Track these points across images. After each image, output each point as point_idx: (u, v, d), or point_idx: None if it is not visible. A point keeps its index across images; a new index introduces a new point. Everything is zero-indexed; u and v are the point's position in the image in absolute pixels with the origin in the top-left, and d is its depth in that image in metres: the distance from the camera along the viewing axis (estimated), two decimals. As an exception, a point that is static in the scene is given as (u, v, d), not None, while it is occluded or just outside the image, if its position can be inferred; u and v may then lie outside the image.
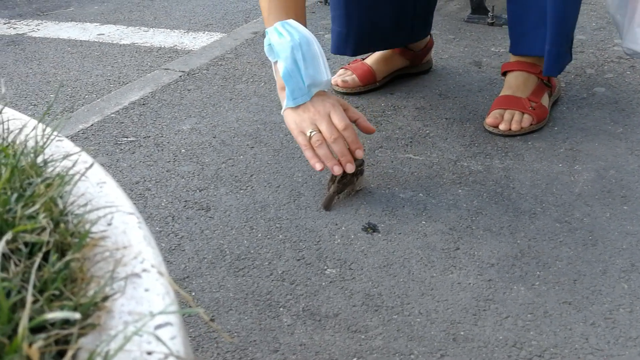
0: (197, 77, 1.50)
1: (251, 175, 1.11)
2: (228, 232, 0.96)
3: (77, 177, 0.42)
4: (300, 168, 1.13)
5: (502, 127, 1.21)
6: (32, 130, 0.48)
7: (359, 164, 1.03)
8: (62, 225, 0.36)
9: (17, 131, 0.48)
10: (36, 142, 0.45)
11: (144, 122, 1.30)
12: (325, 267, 0.88)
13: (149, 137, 1.24)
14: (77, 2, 2.32)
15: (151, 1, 2.30)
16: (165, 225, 0.98)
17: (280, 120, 1.30)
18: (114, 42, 1.91)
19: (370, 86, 1.40)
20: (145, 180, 1.10)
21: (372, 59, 1.43)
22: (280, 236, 0.95)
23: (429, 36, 1.50)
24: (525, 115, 1.22)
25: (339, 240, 0.94)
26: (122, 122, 1.29)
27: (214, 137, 1.23)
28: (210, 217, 1.00)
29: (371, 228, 0.96)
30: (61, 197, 0.39)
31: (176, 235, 0.96)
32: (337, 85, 1.39)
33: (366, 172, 1.09)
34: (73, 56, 1.82)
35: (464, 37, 1.73)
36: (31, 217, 0.36)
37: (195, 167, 1.14)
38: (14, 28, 2.09)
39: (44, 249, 0.34)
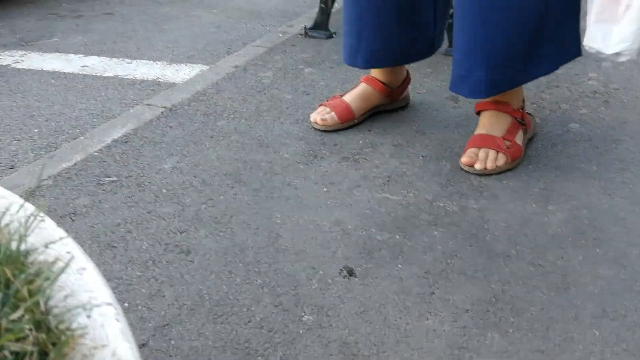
0: (179, 113, 1.51)
1: (231, 217, 1.12)
2: (207, 277, 0.98)
3: (59, 270, 0.43)
4: (279, 209, 1.15)
5: (477, 166, 1.24)
6: (18, 210, 0.49)
7: None
8: (43, 325, 0.38)
9: (1, 214, 0.49)
10: (20, 231, 0.46)
11: (126, 160, 1.31)
12: (303, 313, 0.90)
13: (131, 176, 1.25)
14: (60, 33, 2.34)
15: (134, 32, 2.32)
16: (145, 269, 0.99)
17: (260, 158, 1.31)
18: (98, 74, 1.93)
19: (349, 123, 1.43)
20: (126, 222, 1.11)
21: (351, 96, 1.46)
22: (259, 281, 0.97)
23: (406, 72, 1.53)
24: (500, 154, 1.25)
25: (316, 285, 0.95)
26: (105, 161, 1.30)
27: (195, 177, 1.25)
28: (190, 261, 1.01)
29: (348, 272, 0.98)
30: (43, 297, 0.40)
31: (156, 280, 0.97)
32: (316, 123, 1.42)
33: (344, 212, 1.11)
34: (57, 89, 1.83)
35: (441, 71, 1.77)
36: (15, 322, 0.37)
37: (176, 208, 1.15)
38: (-3, 59, 2.10)
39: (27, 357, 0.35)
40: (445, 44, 1.90)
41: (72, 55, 2.10)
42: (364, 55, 1.42)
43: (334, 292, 0.94)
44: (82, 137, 1.43)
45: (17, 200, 0.52)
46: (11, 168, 1.43)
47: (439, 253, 1.02)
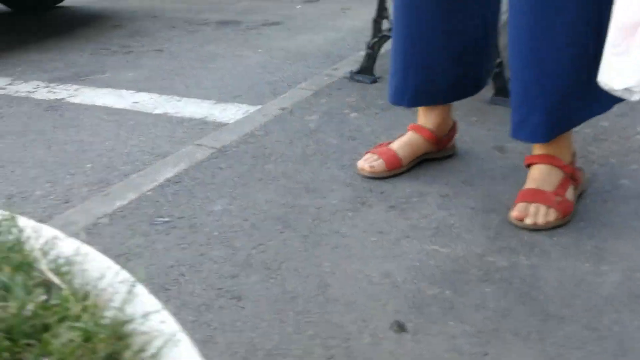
0: (229, 154, 1.55)
1: (281, 263, 1.14)
2: (259, 325, 0.99)
3: (162, 345, 0.44)
4: (328, 257, 1.16)
5: (528, 221, 1.23)
6: (113, 276, 0.51)
7: None
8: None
9: (95, 280, 0.51)
10: (119, 300, 0.48)
11: (179, 201, 1.34)
12: (355, 368, 0.90)
13: (183, 217, 1.28)
14: (112, 69, 2.41)
15: (182, 69, 2.39)
16: (199, 314, 1.01)
17: (308, 204, 1.33)
18: (148, 111, 1.98)
19: (396, 171, 1.44)
20: (179, 264, 1.13)
21: (398, 144, 1.47)
22: (310, 331, 0.97)
23: (453, 122, 1.54)
24: (551, 210, 1.24)
25: (367, 339, 0.95)
26: (158, 201, 1.34)
27: (245, 220, 1.27)
28: (242, 307, 1.02)
29: (399, 327, 0.98)
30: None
31: (209, 326, 0.98)
32: (364, 170, 1.43)
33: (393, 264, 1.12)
34: (109, 124, 1.89)
35: (486, 120, 1.78)
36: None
37: (227, 251, 1.17)
38: (53, 92, 2.17)
39: None
40: (490, 92, 1.91)
41: (124, 91, 2.16)
42: (410, 94, 1.45)
43: (385, 348, 0.94)
44: (135, 175, 1.47)
45: (112, 265, 0.54)
46: (66, 202, 1.47)
47: (490, 311, 1.02)
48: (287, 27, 2.98)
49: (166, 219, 1.27)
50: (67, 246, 0.55)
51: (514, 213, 1.26)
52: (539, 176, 1.31)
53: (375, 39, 1.97)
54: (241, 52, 2.60)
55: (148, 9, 3.48)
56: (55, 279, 0.48)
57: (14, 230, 0.54)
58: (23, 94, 2.17)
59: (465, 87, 1.50)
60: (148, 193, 1.37)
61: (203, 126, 1.85)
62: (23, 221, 0.56)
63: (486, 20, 1.45)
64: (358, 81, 2.01)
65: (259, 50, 2.60)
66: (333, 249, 1.18)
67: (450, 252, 1.18)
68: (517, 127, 1.31)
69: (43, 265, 0.49)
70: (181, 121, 1.90)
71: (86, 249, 0.55)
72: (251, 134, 1.67)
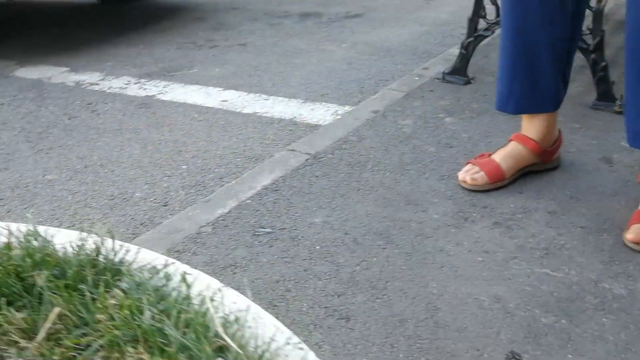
0: (323, 161, 1.54)
1: (386, 282, 1.12)
2: (370, 349, 0.98)
3: None
4: (435, 277, 1.13)
5: (645, 246, 1.17)
6: (284, 340, 0.50)
7: None
8: None
9: (265, 344, 0.50)
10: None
11: (278, 211, 1.34)
12: (473, 403, 0.87)
13: (284, 229, 1.28)
14: (199, 64, 2.45)
15: (268, 65, 2.39)
16: (308, 334, 1.01)
17: (409, 217, 1.31)
18: (237, 110, 2.00)
19: (499, 184, 1.39)
20: (285, 280, 1.13)
21: (501, 155, 1.42)
22: (422, 359, 0.95)
23: (558, 132, 1.48)
24: (671, 234, 1.17)
25: (484, 371, 0.93)
26: (258, 210, 1.34)
27: (346, 234, 1.26)
28: (350, 329, 1.02)
29: (515, 358, 0.95)
30: None
31: (320, 347, 0.98)
32: (465, 182, 1.39)
33: (502, 288, 1.08)
34: (200, 124, 1.91)
35: (590, 127, 1.69)
36: None
37: (330, 267, 1.16)
38: (144, 89, 2.22)
39: None
40: (593, 97, 1.81)
41: (212, 89, 2.18)
42: (515, 101, 1.41)
43: (503, 382, 0.91)
44: (233, 182, 1.48)
45: (281, 327, 0.53)
46: (165, 205, 1.50)
47: (610, 344, 0.97)
48: (370, 19, 2.94)
49: (268, 230, 1.28)
50: (232, 298, 0.55)
51: (629, 235, 1.19)
52: (658, 196, 1.23)
53: (471, 39, 1.90)
54: (325, 46, 2.57)
55: (228, 1, 3.50)
56: (232, 344, 0.48)
57: (178, 279, 0.54)
58: (116, 90, 2.23)
59: (561, 95, 1.45)
60: (248, 201, 1.38)
61: (293, 127, 1.85)
62: (183, 268, 0.56)
63: (575, 27, 1.40)
64: (450, 82, 1.95)
65: (343, 45, 2.57)
66: (439, 269, 1.15)
67: (563, 277, 1.13)
68: (636, 136, 1.25)
69: (219, 328, 0.49)
70: (270, 121, 1.90)
71: (253, 307, 0.55)
72: (344, 139, 1.65)
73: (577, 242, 1.22)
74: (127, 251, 0.57)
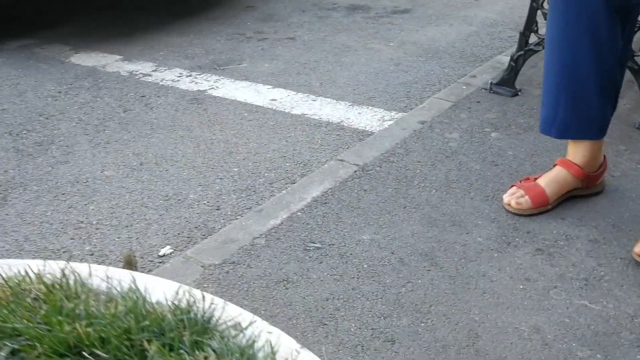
0: (371, 175, 1.59)
1: (430, 306, 1.18)
2: (413, 374, 1.04)
3: None
4: (477, 303, 1.19)
5: (685, 284, 1.20)
6: None
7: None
8: None
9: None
10: None
11: (328, 225, 1.40)
12: None
13: (334, 244, 1.34)
14: (249, 58, 2.50)
15: (316, 63, 2.43)
16: (355, 355, 1.08)
17: (454, 239, 1.36)
18: (286, 110, 2.05)
19: (542, 209, 1.43)
20: (334, 298, 1.20)
21: (545, 179, 1.45)
22: (464, 387, 1.02)
23: (603, 157, 1.50)
24: None
25: (521, 404, 0.99)
26: (308, 224, 1.41)
27: (392, 253, 1.32)
28: (395, 352, 1.08)
29: (552, 393, 1.00)
30: None
31: (366, 369, 1.05)
32: (510, 206, 1.43)
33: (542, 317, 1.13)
34: (250, 124, 1.97)
35: (636, 150, 1.70)
36: None
37: (377, 287, 1.23)
38: (196, 83, 2.29)
39: None
40: (638, 116, 1.82)
41: (261, 86, 2.24)
42: (559, 126, 1.43)
43: (539, 416, 0.97)
44: (284, 192, 1.55)
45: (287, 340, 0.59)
46: (217, 209, 1.58)
47: (645, 385, 1.02)
48: (418, 16, 2.94)
49: (318, 245, 1.34)
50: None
51: (637, 249, 1.23)
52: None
53: (521, 52, 1.91)
54: (373, 44, 2.60)
55: (277, -13, 3.52)
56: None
57: (263, 339, 0.60)
58: (168, 83, 2.30)
59: (607, 121, 1.46)
60: (298, 214, 1.45)
61: (340, 132, 1.90)
62: (266, 327, 0.62)
63: (623, 56, 1.40)
64: (498, 93, 1.97)
65: (391, 44, 2.59)
66: (481, 295, 1.20)
67: (600, 309, 1.17)
68: None
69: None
70: (318, 124, 1.95)
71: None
72: (392, 151, 1.70)
73: (617, 274, 1.26)
74: (215, 307, 0.64)
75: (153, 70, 2.42)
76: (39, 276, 0.66)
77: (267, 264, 1.29)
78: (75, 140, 1.93)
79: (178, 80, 2.32)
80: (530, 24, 1.87)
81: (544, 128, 1.47)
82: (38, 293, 0.63)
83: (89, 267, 0.69)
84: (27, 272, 0.68)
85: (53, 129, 1.99)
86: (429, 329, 1.13)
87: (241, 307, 1.19)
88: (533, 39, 1.91)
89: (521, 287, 1.23)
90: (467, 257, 1.30)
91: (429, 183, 1.55)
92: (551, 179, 1.46)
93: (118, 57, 2.57)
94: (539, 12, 1.86)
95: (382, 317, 1.15)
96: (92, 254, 1.42)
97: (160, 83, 2.31)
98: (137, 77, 2.36)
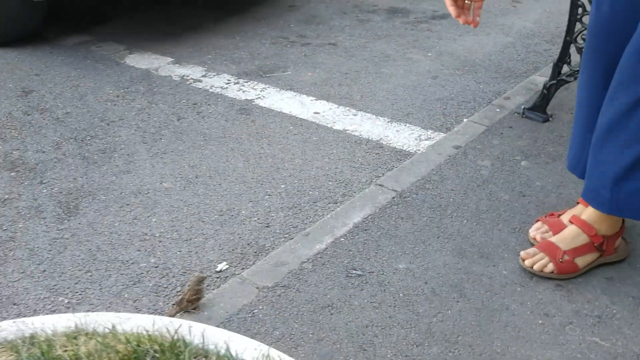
0: (408, 202, 1.73)
1: (458, 336, 1.34)
2: (441, 400, 1.21)
3: None
4: (499, 336, 1.34)
5: (689, 328, 1.33)
6: None
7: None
8: None
9: None
10: None
11: (368, 253, 1.56)
12: None
13: (373, 272, 1.50)
14: (293, 65, 2.63)
15: (357, 73, 2.55)
16: (391, 381, 1.25)
17: (481, 272, 1.51)
18: (328, 125, 2.19)
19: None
20: (373, 325, 1.37)
21: (568, 215, 1.58)
22: (484, 416, 1.18)
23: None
24: None
25: None
26: (350, 250, 1.57)
27: (426, 283, 1.47)
28: (426, 379, 1.25)
29: None
30: None
31: (400, 394, 1.22)
32: (535, 239, 1.57)
33: None
34: (295, 138, 2.12)
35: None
36: None
37: (411, 316, 1.39)
38: (243, 91, 2.43)
39: None
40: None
41: (305, 97, 2.38)
42: (583, 167, 1.54)
43: None
44: (328, 216, 1.71)
45: None
46: (267, 227, 1.75)
47: (643, 421, 1.17)
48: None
49: (359, 272, 1.50)
50: None
51: None
52: None
53: (553, 82, 2.02)
54: (411, 54, 2.70)
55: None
56: None
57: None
58: (217, 90, 2.45)
59: None
60: (342, 239, 1.61)
61: (379, 151, 2.04)
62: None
63: None
64: (530, 118, 2.08)
65: (429, 54, 2.69)
66: (503, 328, 1.36)
67: (610, 346, 1.32)
68: None
69: None
70: (359, 141, 2.10)
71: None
72: (427, 177, 1.84)
73: (627, 312, 1.40)
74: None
75: (203, 76, 2.57)
76: (154, 337, 0.83)
77: (314, 289, 1.46)
78: (135, 149, 2.10)
79: (226, 88, 2.47)
80: (563, 56, 1.97)
81: (571, 165, 1.58)
82: (155, 354, 0.80)
83: (189, 326, 0.86)
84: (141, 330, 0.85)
85: (114, 136, 2.17)
86: (455, 358, 1.29)
87: (291, 330, 1.36)
88: (565, 69, 2.00)
89: (540, 322, 1.38)
90: (493, 290, 1.45)
91: (460, 213, 1.69)
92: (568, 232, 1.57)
93: (169, 59, 2.72)
94: (572, 46, 1.96)
95: (415, 345, 1.32)
96: (157, 267, 1.60)
97: (210, 90, 2.46)
98: (188, 82, 2.52)
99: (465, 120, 2.17)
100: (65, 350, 0.79)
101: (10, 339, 0.82)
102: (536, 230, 1.59)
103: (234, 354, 0.81)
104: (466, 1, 1.34)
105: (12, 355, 0.79)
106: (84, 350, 0.78)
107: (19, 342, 0.80)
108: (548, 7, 3.17)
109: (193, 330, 0.86)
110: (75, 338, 0.82)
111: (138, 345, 0.81)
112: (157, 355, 0.80)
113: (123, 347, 0.80)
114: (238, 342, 0.84)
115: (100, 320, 0.86)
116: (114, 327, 0.84)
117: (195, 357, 0.80)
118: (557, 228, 1.57)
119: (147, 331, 0.85)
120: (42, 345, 0.79)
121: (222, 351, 0.81)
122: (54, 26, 3.00)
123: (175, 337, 0.84)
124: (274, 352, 0.82)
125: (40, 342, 0.80)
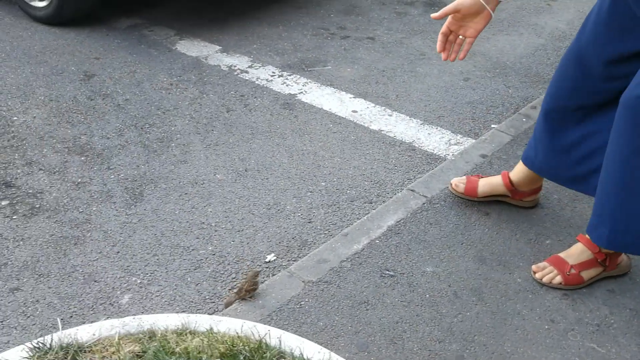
0: (437, 208, 1.94)
1: (474, 336, 1.57)
2: (457, 391, 1.44)
3: None
4: (510, 337, 1.56)
5: (675, 341, 1.54)
6: None
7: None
8: None
9: None
10: None
11: (399, 255, 1.78)
12: None
13: (404, 274, 1.73)
14: (333, 59, 2.80)
15: (393, 71, 2.72)
16: (416, 372, 1.48)
17: (498, 278, 1.72)
18: (365, 124, 2.38)
19: (470, 199, 1.94)
20: (402, 321, 1.60)
21: (485, 180, 1.93)
22: (493, 406, 1.42)
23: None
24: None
25: None
26: (384, 252, 1.79)
27: (449, 286, 1.69)
28: (445, 373, 1.48)
29: (556, 418, 1.40)
30: None
31: (423, 384, 1.46)
32: (451, 186, 1.96)
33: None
34: (335, 137, 2.32)
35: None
36: None
37: (435, 315, 1.61)
38: (287, 85, 2.62)
39: None
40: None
41: (344, 94, 2.56)
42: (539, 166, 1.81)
43: None
44: (364, 218, 1.92)
45: None
46: (309, 222, 1.97)
47: (626, 419, 1.39)
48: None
49: (391, 273, 1.73)
50: None
51: None
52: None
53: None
54: (445, 53, 2.85)
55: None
56: None
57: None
58: (262, 82, 2.64)
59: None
60: (377, 241, 1.82)
61: (411, 154, 2.23)
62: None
63: None
64: (552, 130, 2.25)
65: (461, 54, 2.84)
66: (514, 331, 1.58)
67: (605, 352, 1.54)
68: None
69: None
70: (393, 143, 2.29)
71: None
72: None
73: (623, 323, 1.61)
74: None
75: (249, 67, 2.76)
76: (244, 339, 1.06)
77: (352, 286, 1.69)
78: (190, 139, 2.32)
79: (271, 81, 2.66)
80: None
81: (526, 160, 1.83)
82: (246, 354, 1.03)
83: (269, 330, 1.09)
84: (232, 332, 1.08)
85: (170, 125, 2.38)
86: (471, 355, 1.52)
87: (333, 322, 1.58)
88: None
89: (546, 327, 1.59)
90: (507, 296, 1.67)
91: (483, 222, 1.90)
92: (487, 181, 1.93)
93: (217, 47, 2.90)
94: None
95: (438, 342, 1.55)
96: (214, 254, 1.84)
97: (256, 82, 2.65)
98: (235, 73, 2.71)
99: (493, 126, 2.34)
100: (177, 345, 1.03)
101: (132, 332, 1.06)
102: (459, 180, 1.96)
103: (305, 357, 1.04)
104: (460, 37, 1.50)
105: (137, 346, 1.02)
106: (192, 347, 1.01)
107: (141, 336, 1.04)
108: (582, 7, 3.27)
109: (272, 334, 1.09)
110: (181, 335, 1.06)
111: (233, 346, 1.04)
112: (248, 354, 1.03)
113: (223, 346, 1.03)
114: (308, 347, 1.07)
115: (200, 321, 1.09)
116: (211, 328, 1.08)
117: (274, 358, 1.03)
118: (470, 185, 1.94)
119: (237, 333, 1.08)
120: (161, 340, 1.02)
121: (297, 353, 1.04)
122: (106, 7, 3.18)
123: (261, 340, 1.07)
124: (334, 357, 1.05)
125: (158, 337, 1.03)
